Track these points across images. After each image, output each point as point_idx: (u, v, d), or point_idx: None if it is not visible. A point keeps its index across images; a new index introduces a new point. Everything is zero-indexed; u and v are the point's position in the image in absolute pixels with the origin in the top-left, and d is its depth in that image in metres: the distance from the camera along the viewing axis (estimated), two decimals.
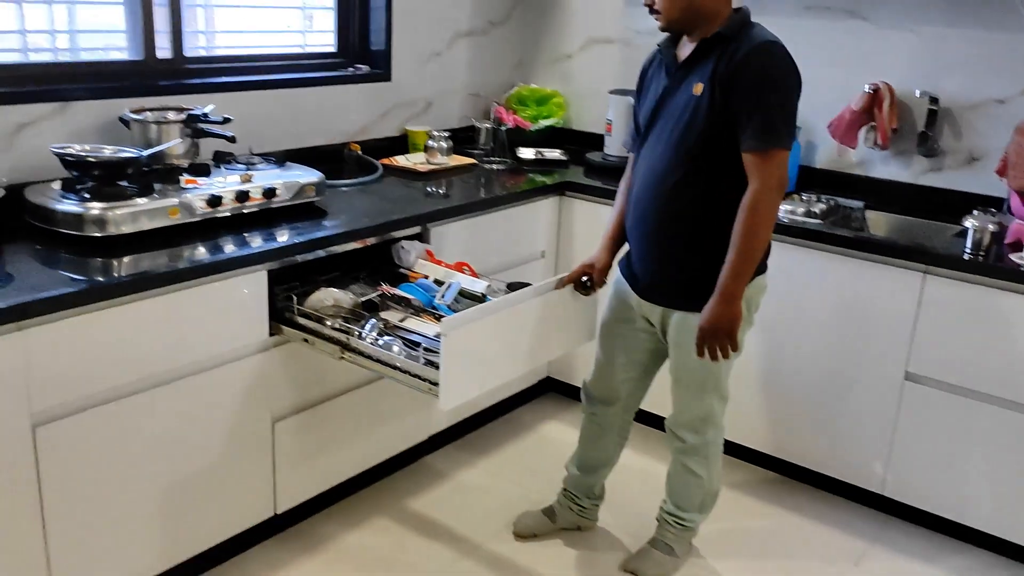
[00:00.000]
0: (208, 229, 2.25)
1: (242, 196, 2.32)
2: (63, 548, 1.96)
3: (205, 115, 2.41)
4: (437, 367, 1.99)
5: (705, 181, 2.05)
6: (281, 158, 2.62)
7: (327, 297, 2.27)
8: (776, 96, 1.95)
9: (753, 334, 2.62)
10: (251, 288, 2.19)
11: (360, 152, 3.09)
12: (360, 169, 3.01)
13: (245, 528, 2.38)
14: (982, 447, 2.56)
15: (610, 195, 3.05)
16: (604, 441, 2.50)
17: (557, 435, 3.11)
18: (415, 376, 2.06)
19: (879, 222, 2.97)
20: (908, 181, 3.05)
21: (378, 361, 2.11)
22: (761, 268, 2.16)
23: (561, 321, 2.27)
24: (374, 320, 2.20)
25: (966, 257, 2.50)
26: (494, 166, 3.31)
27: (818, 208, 2.90)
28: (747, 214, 1.97)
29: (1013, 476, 2.53)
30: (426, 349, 2.07)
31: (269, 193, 2.39)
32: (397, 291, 2.35)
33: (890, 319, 2.62)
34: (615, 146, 3.37)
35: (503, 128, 3.39)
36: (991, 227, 2.53)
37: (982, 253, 2.52)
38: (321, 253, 2.33)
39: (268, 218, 2.39)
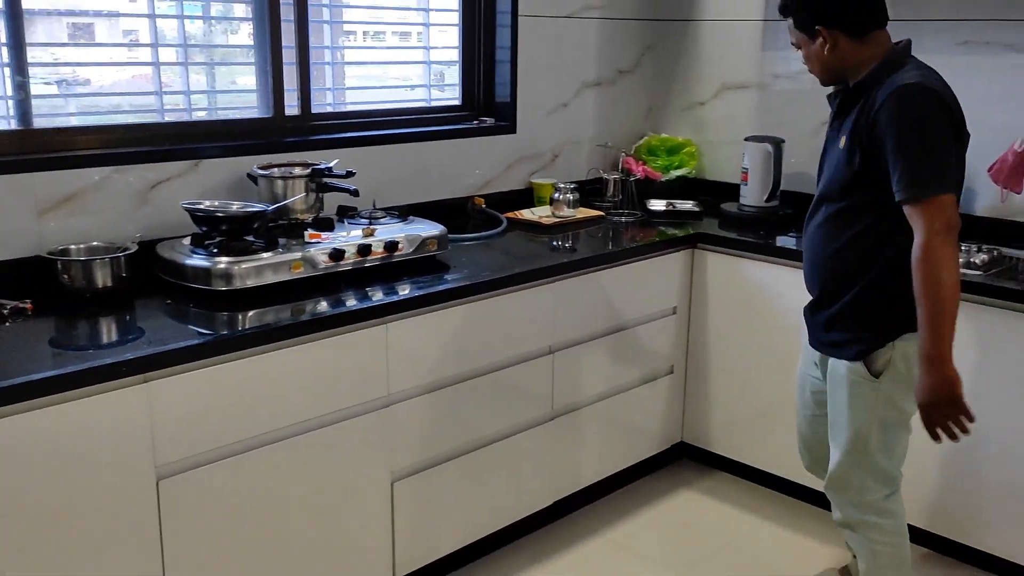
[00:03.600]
0: (330, 283, 2.34)
1: (364, 250, 2.41)
2: None
3: (329, 169, 2.52)
4: None
5: (846, 225, 2.11)
6: (405, 212, 2.71)
7: None
8: (916, 139, 1.94)
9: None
10: (371, 342, 2.26)
11: (484, 206, 3.17)
12: (484, 223, 3.09)
13: None
14: None
15: (747, 247, 3.05)
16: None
17: (692, 505, 3.05)
18: None
19: None
20: None
21: None
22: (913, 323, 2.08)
23: (520, 322, 2.44)
24: None
25: None
26: (623, 219, 3.34)
27: (979, 259, 2.79)
28: (918, 268, 1.94)
29: None
30: None
31: (391, 247, 2.47)
32: None
33: None
34: (752, 196, 3.34)
35: (632, 179, 3.41)
36: None
37: None
38: (443, 307, 2.40)
39: (390, 272, 2.46)
